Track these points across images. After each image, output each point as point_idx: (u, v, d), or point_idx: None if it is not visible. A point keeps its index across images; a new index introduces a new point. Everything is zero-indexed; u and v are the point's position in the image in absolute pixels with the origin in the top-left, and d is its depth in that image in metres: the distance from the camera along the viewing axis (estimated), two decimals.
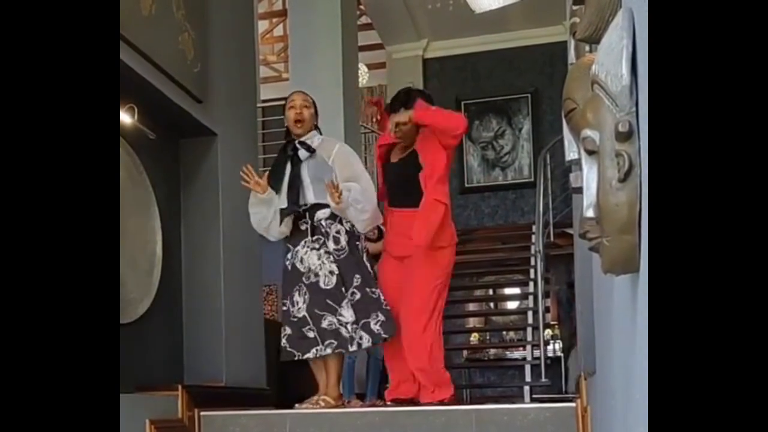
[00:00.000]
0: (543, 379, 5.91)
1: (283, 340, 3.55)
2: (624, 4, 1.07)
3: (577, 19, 1.31)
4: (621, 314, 1.23)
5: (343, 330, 3.45)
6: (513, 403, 5.17)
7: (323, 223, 3.53)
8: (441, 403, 3.58)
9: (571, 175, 1.61)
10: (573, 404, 3.13)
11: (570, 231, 6.77)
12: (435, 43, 9.38)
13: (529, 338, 6.79)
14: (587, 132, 0.98)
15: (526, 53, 9.10)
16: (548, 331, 8.05)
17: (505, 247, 8.49)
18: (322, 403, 3.48)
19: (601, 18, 1.15)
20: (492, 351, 9.12)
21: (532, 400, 6.05)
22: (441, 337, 3.75)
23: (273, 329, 4.40)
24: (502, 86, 9.19)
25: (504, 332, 9.32)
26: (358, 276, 3.50)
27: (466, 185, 9.10)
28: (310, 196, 3.55)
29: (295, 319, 3.51)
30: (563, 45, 6.69)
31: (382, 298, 3.52)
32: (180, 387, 3.31)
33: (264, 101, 8.04)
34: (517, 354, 8.46)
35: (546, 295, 7.06)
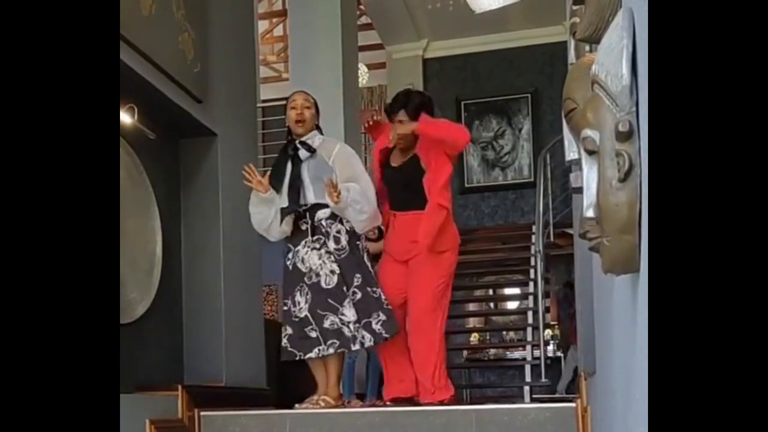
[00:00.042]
0: (543, 379, 5.91)
1: (284, 340, 3.55)
2: (624, 4, 1.07)
3: (577, 19, 1.31)
4: (621, 314, 1.23)
5: (345, 329, 3.45)
6: (513, 403, 5.17)
7: (324, 223, 3.53)
8: (441, 403, 3.58)
9: (571, 175, 1.61)
10: (573, 404, 3.13)
11: (570, 231, 6.77)
12: (435, 43, 9.38)
13: (529, 338, 6.79)
14: (587, 132, 0.98)
15: (526, 53, 9.10)
16: (548, 331, 8.05)
17: (505, 247, 8.50)
18: (322, 403, 3.48)
19: (601, 18, 1.15)
20: (492, 351, 9.13)
21: (532, 400, 6.05)
22: (444, 337, 3.78)
23: (273, 329, 4.40)
24: (502, 86, 9.19)
25: (504, 332, 9.33)
26: (358, 275, 3.51)
27: (466, 185, 9.10)
28: (310, 196, 3.55)
29: (297, 319, 3.51)
30: (563, 45, 6.69)
31: (383, 297, 3.52)
32: (180, 387, 3.31)
33: (264, 101, 8.04)
34: (517, 354, 8.47)
35: (546, 295, 7.07)
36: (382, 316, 3.49)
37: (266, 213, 3.58)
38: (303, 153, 3.57)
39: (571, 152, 1.41)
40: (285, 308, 3.62)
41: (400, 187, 3.70)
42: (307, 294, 3.50)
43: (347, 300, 3.46)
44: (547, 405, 3.42)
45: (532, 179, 8.75)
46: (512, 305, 8.55)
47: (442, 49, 9.39)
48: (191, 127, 3.78)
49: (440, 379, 3.65)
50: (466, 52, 9.29)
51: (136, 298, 3.36)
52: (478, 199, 9.28)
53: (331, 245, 3.51)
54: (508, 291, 8.90)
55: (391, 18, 8.81)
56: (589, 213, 1.03)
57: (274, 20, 10.30)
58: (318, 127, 3.67)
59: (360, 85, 8.32)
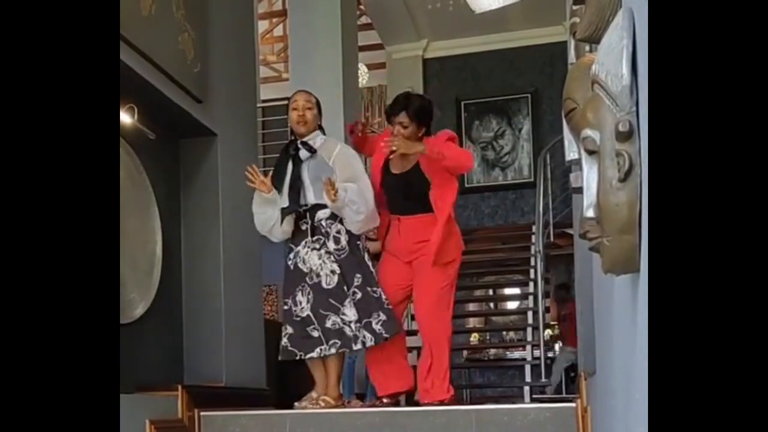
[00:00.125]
0: (543, 379, 5.91)
1: (284, 339, 3.55)
2: (624, 3, 1.07)
3: (577, 19, 1.31)
4: (621, 314, 1.23)
5: (347, 329, 3.45)
6: (513, 403, 5.17)
7: (323, 223, 3.54)
8: (441, 403, 3.58)
9: (571, 175, 1.61)
10: (573, 404, 3.13)
11: (570, 231, 6.77)
12: (435, 43, 9.38)
13: (529, 338, 6.78)
14: (587, 132, 0.98)
15: (526, 53, 9.10)
16: (548, 331, 8.05)
17: (505, 247, 8.49)
18: (322, 404, 3.48)
19: (601, 18, 1.15)
20: (492, 351, 9.12)
21: (532, 400, 6.05)
22: (450, 338, 3.80)
23: (273, 329, 4.40)
24: (502, 86, 9.19)
25: (504, 332, 9.32)
26: (359, 275, 3.51)
27: (466, 185, 9.09)
28: (310, 197, 3.56)
29: (298, 319, 3.51)
30: (563, 45, 6.69)
31: (383, 297, 3.53)
32: (180, 387, 3.31)
33: (264, 101, 8.04)
34: (517, 354, 8.46)
35: (546, 295, 7.07)
36: (383, 316, 3.49)
37: (270, 213, 3.57)
38: (303, 153, 3.57)
39: (571, 152, 1.41)
40: (285, 308, 3.62)
41: (401, 194, 3.70)
42: (308, 294, 3.50)
43: (348, 300, 3.46)
44: (547, 405, 3.42)
45: (532, 179, 8.75)
46: (512, 305, 8.55)
47: (442, 49, 9.39)
48: (191, 127, 3.78)
49: (445, 375, 3.67)
50: (466, 52, 9.28)
51: (136, 298, 3.36)
52: (478, 199, 9.28)
53: (331, 245, 3.51)
54: (508, 291, 8.89)
55: (391, 18, 8.81)
56: (589, 213, 1.03)
57: (274, 20, 10.30)
58: (320, 127, 3.67)
59: (360, 85, 8.32)
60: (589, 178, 1.01)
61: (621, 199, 0.93)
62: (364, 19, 9.06)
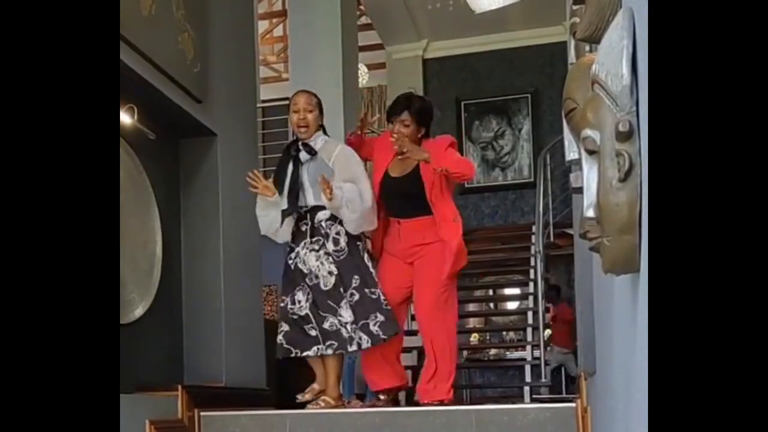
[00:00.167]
0: (543, 380, 5.91)
1: (280, 336, 3.55)
2: (624, 3, 1.07)
3: (577, 19, 1.31)
4: (621, 314, 1.23)
5: (343, 330, 3.46)
6: (513, 403, 5.17)
7: (323, 224, 3.54)
8: (441, 403, 3.58)
9: (572, 175, 1.62)
10: (573, 404, 3.13)
11: (570, 231, 6.77)
12: (435, 43, 9.38)
13: (529, 338, 6.78)
14: (587, 132, 0.98)
15: (526, 53, 9.10)
16: (548, 331, 8.05)
17: (505, 247, 8.49)
18: (322, 404, 3.49)
19: (601, 18, 1.15)
20: (492, 351, 9.12)
21: (532, 400, 6.05)
22: (455, 339, 3.80)
23: (273, 329, 4.39)
24: (502, 86, 9.19)
25: (504, 332, 9.32)
26: (357, 277, 3.50)
27: (466, 185, 9.09)
28: (309, 198, 3.56)
29: (296, 317, 3.51)
30: (563, 45, 6.69)
31: (382, 298, 3.52)
32: (180, 387, 3.31)
33: (264, 101, 8.04)
34: (516, 354, 8.46)
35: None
36: (380, 317, 3.49)
37: (273, 216, 3.57)
38: (303, 155, 3.57)
39: (571, 152, 1.41)
40: (282, 305, 3.62)
41: (401, 197, 3.70)
42: (308, 293, 3.51)
43: (344, 301, 3.47)
44: (547, 405, 3.42)
45: (532, 179, 8.75)
46: (512, 305, 8.55)
47: (442, 50, 9.39)
48: (191, 127, 3.78)
49: (449, 373, 3.67)
50: (466, 52, 9.28)
51: (136, 298, 3.36)
52: (478, 200, 9.28)
53: (330, 246, 3.51)
54: (508, 291, 8.89)
55: (391, 18, 8.81)
56: (590, 213, 1.03)
57: (274, 20, 10.30)
58: (322, 127, 3.66)
59: (360, 85, 8.32)
60: (589, 178, 1.02)
61: (621, 199, 0.93)
62: (364, 19, 9.06)
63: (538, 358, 6.03)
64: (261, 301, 4.62)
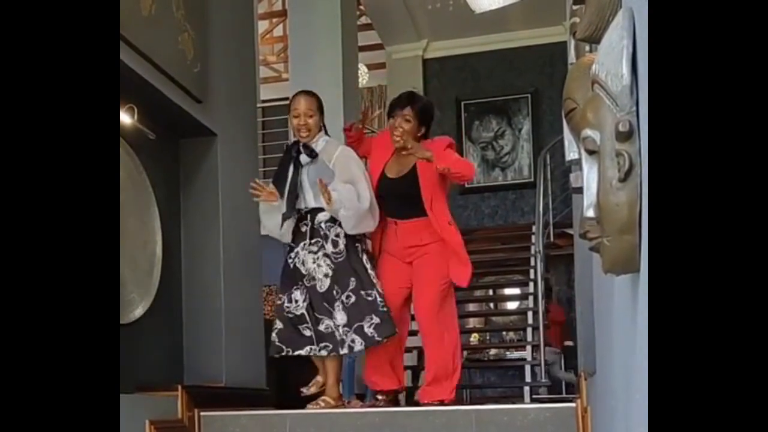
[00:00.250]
0: (543, 380, 5.91)
1: (273, 334, 3.56)
2: (624, 3, 1.07)
3: (577, 19, 1.31)
4: (621, 314, 1.23)
5: (336, 333, 3.46)
6: (513, 403, 5.17)
7: (323, 225, 3.54)
8: (441, 403, 3.58)
9: (572, 175, 1.62)
10: (573, 404, 3.13)
11: (570, 231, 6.77)
12: (435, 43, 9.37)
13: (529, 338, 6.78)
14: (587, 132, 0.98)
15: (526, 53, 9.10)
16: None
17: (505, 247, 8.48)
18: (322, 404, 3.49)
19: (601, 18, 1.15)
20: (492, 351, 9.11)
21: (532, 401, 6.05)
22: (458, 333, 3.81)
23: None
24: (502, 86, 9.18)
25: (504, 333, 9.31)
26: (353, 279, 3.50)
27: (466, 185, 9.09)
28: (309, 200, 3.56)
29: (291, 315, 3.51)
30: (563, 45, 6.69)
31: (378, 300, 3.51)
32: (180, 387, 3.31)
33: (264, 101, 8.03)
34: (517, 354, 8.46)
35: (546, 295, 7.05)
36: (376, 319, 3.48)
37: (278, 218, 3.58)
38: (304, 158, 3.57)
39: (571, 152, 1.41)
40: (278, 302, 3.63)
41: (398, 198, 3.69)
42: (305, 294, 3.51)
43: (337, 303, 3.46)
44: (547, 405, 3.42)
45: (532, 179, 8.74)
46: (512, 305, 8.54)
47: (442, 50, 9.38)
48: (191, 127, 3.78)
49: (451, 373, 3.67)
50: (466, 52, 9.27)
51: (136, 298, 3.36)
52: (478, 200, 9.28)
53: (329, 248, 3.51)
54: (508, 291, 8.88)
55: (391, 18, 8.81)
56: (590, 213, 1.03)
57: (274, 20, 10.30)
58: (323, 127, 3.66)
59: (360, 85, 8.31)
60: (589, 178, 1.02)
61: (621, 199, 0.93)
62: (364, 19, 9.06)
63: (537, 358, 6.03)
64: (261, 301, 4.62)
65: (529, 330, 6.80)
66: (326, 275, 3.49)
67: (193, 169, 3.93)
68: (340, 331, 3.46)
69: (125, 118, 3.25)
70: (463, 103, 9.31)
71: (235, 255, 4.04)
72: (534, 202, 7.66)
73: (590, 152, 0.99)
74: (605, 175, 0.95)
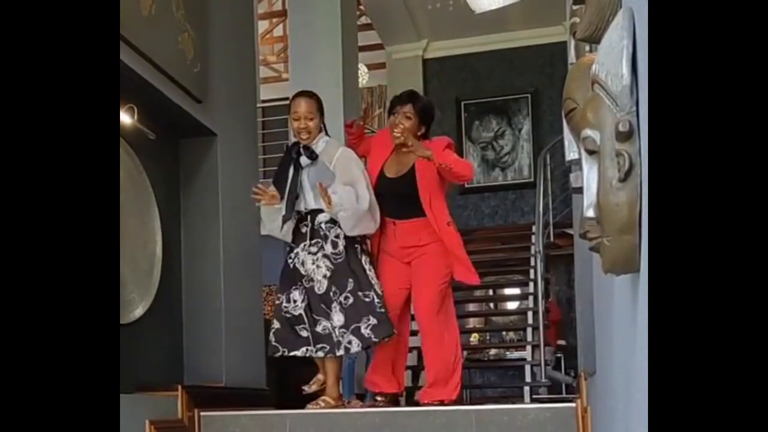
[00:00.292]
0: (543, 380, 5.91)
1: (271, 334, 3.57)
2: (624, 3, 1.07)
3: (577, 19, 1.31)
4: (621, 314, 1.23)
5: (333, 334, 3.46)
6: (513, 403, 5.17)
7: (323, 226, 3.54)
8: (441, 403, 3.58)
9: (572, 175, 1.62)
10: (573, 404, 3.13)
11: (570, 231, 6.77)
12: (435, 43, 9.37)
13: (529, 338, 6.78)
14: (587, 132, 0.98)
15: (526, 53, 9.10)
16: None
17: (505, 247, 8.48)
18: (322, 404, 3.49)
19: (601, 18, 1.15)
20: (492, 351, 9.12)
21: (532, 401, 6.05)
22: (458, 333, 3.81)
23: None
24: (502, 86, 9.19)
25: (504, 333, 9.32)
26: (351, 280, 3.49)
27: (466, 185, 9.09)
28: (310, 201, 3.56)
29: (289, 316, 3.51)
30: (563, 45, 6.69)
31: (376, 301, 3.50)
32: (180, 387, 3.31)
33: (264, 101, 8.03)
34: (517, 354, 8.46)
35: (546, 295, 7.06)
36: (373, 320, 3.47)
37: (279, 220, 3.59)
38: (304, 160, 3.57)
39: (571, 152, 1.41)
40: (277, 302, 3.63)
41: (397, 198, 3.69)
42: (304, 295, 3.51)
43: (334, 304, 3.46)
44: (547, 405, 3.42)
45: (532, 179, 8.74)
46: (512, 305, 8.54)
47: (442, 49, 9.39)
48: (191, 127, 3.78)
49: (452, 373, 3.67)
50: (466, 52, 9.28)
51: (136, 298, 3.36)
52: (478, 200, 9.28)
53: (329, 249, 3.52)
54: (508, 291, 8.88)
55: (391, 18, 8.81)
56: (590, 213, 1.03)
57: (274, 20, 10.30)
58: (324, 127, 3.66)
59: (360, 85, 8.31)
60: (589, 178, 1.02)
61: (621, 199, 0.93)
62: (364, 19, 9.06)
63: (537, 358, 6.03)
64: (261, 301, 4.62)
65: (529, 330, 6.80)
66: (325, 277, 3.49)
67: (193, 169, 3.93)
68: (337, 332, 3.45)
69: (125, 118, 3.25)
70: (463, 103, 9.31)
71: (235, 255, 4.04)
72: (534, 202, 7.66)
73: (590, 152, 0.99)
74: (605, 175, 0.95)
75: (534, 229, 7.29)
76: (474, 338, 9.16)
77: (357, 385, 5.53)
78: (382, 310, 3.50)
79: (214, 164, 3.94)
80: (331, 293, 3.47)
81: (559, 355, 7.60)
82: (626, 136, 0.92)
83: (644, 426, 0.83)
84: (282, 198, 3.55)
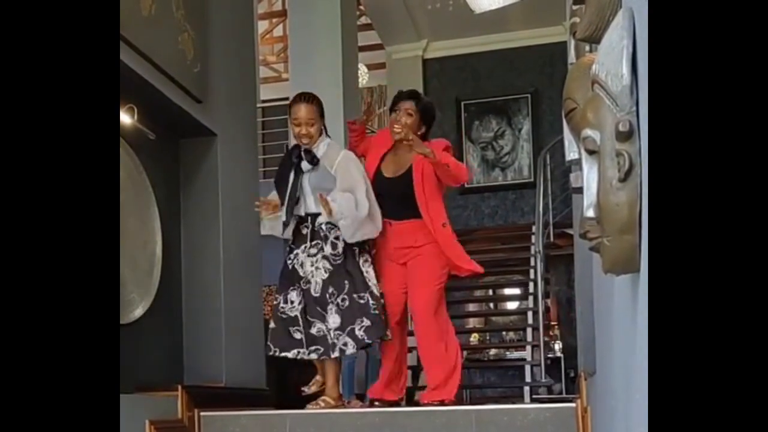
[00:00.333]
0: (543, 380, 5.90)
1: (269, 334, 3.57)
2: (624, 3, 1.07)
3: (577, 19, 1.31)
4: (621, 314, 1.23)
5: (328, 336, 3.46)
6: (513, 403, 5.17)
7: (323, 227, 3.54)
8: (441, 403, 3.58)
9: (572, 175, 1.62)
10: (573, 404, 3.13)
11: (570, 231, 6.77)
12: (435, 43, 9.37)
13: (529, 338, 6.78)
14: (588, 132, 0.98)
15: (526, 53, 9.10)
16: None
17: (505, 247, 8.49)
18: (322, 404, 3.49)
19: (601, 18, 1.15)
20: (492, 351, 9.12)
21: (532, 401, 6.05)
22: (454, 332, 3.81)
23: None
24: (502, 86, 9.19)
25: (504, 333, 9.32)
26: (347, 282, 3.49)
27: (466, 185, 9.09)
28: (310, 205, 3.56)
29: (285, 317, 3.51)
30: (563, 45, 6.69)
31: (371, 302, 3.49)
32: (180, 387, 3.31)
33: (264, 101, 8.04)
34: (516, 354, 8.46)
35: (546, 295, 7.06)
36: (366, 322, 3.47)
37: (280, 225, 3.60)
38: (305, 165, 3.56)
39: (572, 152, 1.41)
40: (275, 302, 3.63)
41: (393, 198, 3.68)
42: (301, 296, 3.51)
43: (330, 306, 3.46)
44: (547, 405, 3.42)
45: (532, 179, 8.74)
46: (512, 305, 8.54)
47: (442, 50, 9.39)
48: (191, 127, 3.78)
49: (450, 374, 3.66)
50: (466, 52, 9.28)
51: (136, 298, 3.36)
52: (477, 200, 9.28)
53: (328, 250, 3.52)
54: (508, 291, 8.89)
55: (391, 18, 8.81)
56: (590, 213, 1.03)
57: (274, 20, 10.30)
58: (324, 129, 3.65)
59: (360, 85, 8.31)
60: (589, 178, 1.02)
61: (621, 199, 0.93)
62: (364, 19, 9.06)
63: (538, 358, 6.02)
64: (261, 301, 4.62)
65: (529, 330, 6.80)
66: (323, 278, 3.49)
67: (193, 169, 3.93)
68: (332, 334, 3.45)
69: (125, 118, 3.25)
70: (463, 103, 9.31)
71: (235, 255, 4.04)
72: (534, 202, 7.66)
73: (590, 152, 0.99)
74: (605, 175, 0.95)
75: (534, 229, 7.29)
76: (474, 338, 9.16)
77: (357, 385, 5.54)
78: (376, 311, 3.49)
79: (214, 164, 3.94)
80: (328, 295, 3.47)
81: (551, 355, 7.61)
82: (626, 136, 0.92)
83: (644, 426, 0.83)
84: (282, 203, 3.56)
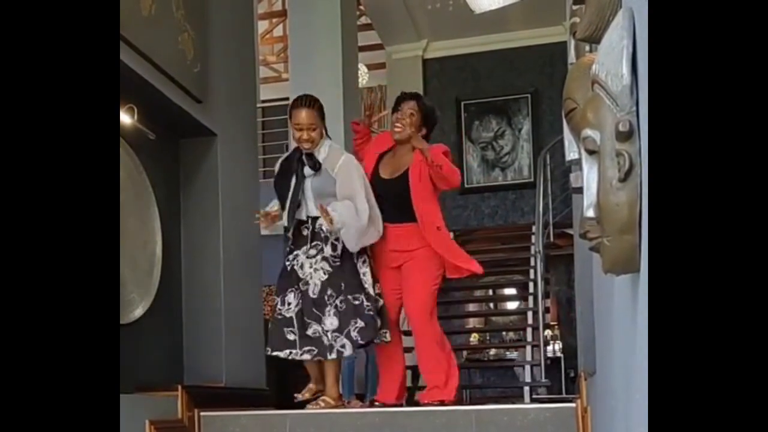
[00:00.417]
0: (543, 380, 5.91)
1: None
2: (624, 3, 1.07)
3: (577, 19, 1.31)
4: (621, 314, 1.23)
5: (324, 338, 3.45)
6: (513, 403, 5.17)
7: (324, 229, 3.54)
8: (441, 403, 3.58)
9: (572, 175, 1.62)
10: (573, 404, 3.13)
11: (570, 231, 6.77)
12: (435, 43, 9.37)
13: (529, 338, 6.79)
14: (588, 132, 0.98)
15: (526, 53, 9.10)
16: (548, 332, 8.05)
17: (505, 247, 8.49)
18: (322, 404, 3.49)
19: (601, 18, 1.15)
20: (492, 351, 9.12)
21: (532, 401, 6.05)
22: (444, 338, 3.81)
23: None
24: (502, 86, 9.18)
25: (504, 333, 9.32)
26: (343, 284, 3.49)
27: (466, 186, 9.09)
28: (311, 209, 3.56)
29: (280, 317, 3.52)
30: (563, 45, 6.69)
31: (365, 304, 3.49)
32: (180, 387, 3.31)
33: (264, 101, 8.04)
34: (516, 354, 8.46)
35: (546, 295, 7.07)
36: (360, 323, 3.46)
37: (280, 229, 3.63)
38: (307, 170, 3.56)
39: (572, 152, 1.41)
40: (274, 303, 3.65)
41: (390, 200, 3.68)
42: (299, 298, 3.51)
43: (328, 308, 3.46)
44: (547, 405, 3.42)
45: (532, 179, 8.74)
46: (512, 305, 8.55)
47: (442, 50, 9.38)
48: (191, 127, 3.78)
49: (448, 374, 3.66)
50: (466, 52, 9.27)
51: (136, 298, 3.36)
52: (478, 200, 9.28)
53: (328, 251, 3.52)
54: (507, 291, 8.89)
55: (391, 18, 8.81)
56: (590, 213, 1.03)
57: (274, 20, 10.30)
58: (325, 130, 3.64)
59: (360, 85, 8.31)
60: (589, 178, 1.02)
61: (621, 199, 0.93)
62: (364, 19, 9.06)
63: (538, 358, 6.02)
64: (261, 301, 4.62)
65: (529, 330, 6.80)
66: (321, 280, 3.49)
67: (193, 169, 3.93)
68: (329, 336, 3.45)
69: (125, 118, 3.25)
70: (463, 103, 9.30)
71: (235, 255, 4.04)
72: (534, 202, 7.66)
73: (590, 152, 0.99)
74: (605, 175, 0.95)
75: (534, 229, 7.29)
76: (474, 338, 9.16)
77: (357, 385, 5.53)
78: (371, 312, 3.49)
79: (214, 164, 3.94)
80: (326, 296, 3.47)
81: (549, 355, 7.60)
82: (626, 136, 0.92)
83: (644, 426, 0.83)
84: (283, 208, 3.56)
